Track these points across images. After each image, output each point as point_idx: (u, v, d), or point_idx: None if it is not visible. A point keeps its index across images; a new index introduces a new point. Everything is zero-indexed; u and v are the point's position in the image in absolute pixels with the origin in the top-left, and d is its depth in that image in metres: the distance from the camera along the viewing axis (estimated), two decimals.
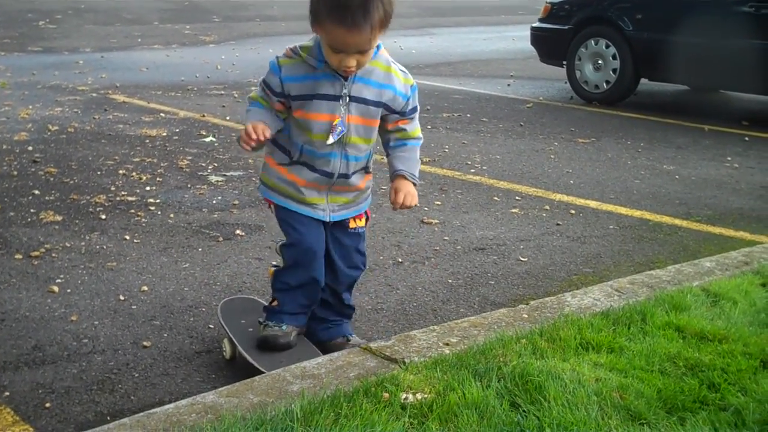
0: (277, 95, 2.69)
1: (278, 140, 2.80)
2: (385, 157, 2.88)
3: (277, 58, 2.70)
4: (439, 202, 4.98)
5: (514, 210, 4.91)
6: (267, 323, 2.94)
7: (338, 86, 2.65)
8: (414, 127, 2.84)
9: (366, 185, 2.90)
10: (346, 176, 2.78)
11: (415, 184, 2.82)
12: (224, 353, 2.96)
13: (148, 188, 5.02)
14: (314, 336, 3.03)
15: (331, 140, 2.67)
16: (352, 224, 2.91)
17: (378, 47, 2.64)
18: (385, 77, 2.70)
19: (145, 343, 3.06)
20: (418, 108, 2.84)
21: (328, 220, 2.85)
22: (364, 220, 2.96)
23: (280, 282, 2.93)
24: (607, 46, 8.58)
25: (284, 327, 2.91)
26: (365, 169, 2.86)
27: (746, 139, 7.26)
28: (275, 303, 2.96)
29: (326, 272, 2.92)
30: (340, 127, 2.67)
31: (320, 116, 2.67)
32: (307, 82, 2.65)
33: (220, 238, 4.21)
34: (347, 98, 2.66)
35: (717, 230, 4.68)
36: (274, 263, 3.10)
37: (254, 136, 2.63)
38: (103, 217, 4.46)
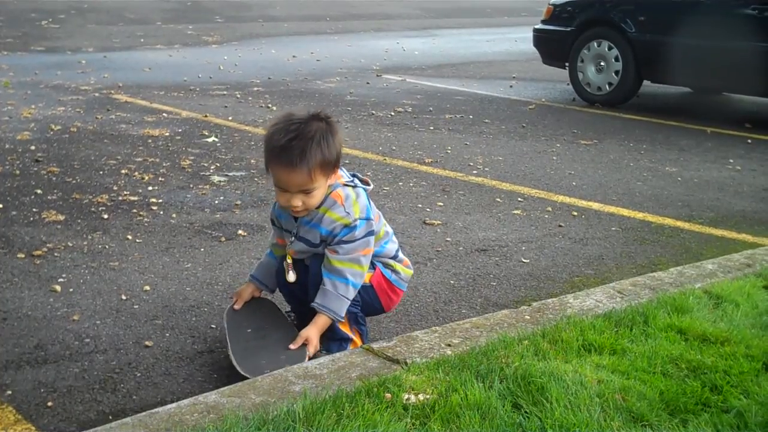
0: (275, 226, 3.06)
1: None
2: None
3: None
4: (441, 204, 4.98)
5: (516, 211, 4.91)
6: None
7: (291, 224, 2.96)
8: (338, 259, 2.87)
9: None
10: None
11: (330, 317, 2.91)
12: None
13: (150, 188, 5.03)
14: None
15: (291, 277, 2.99)
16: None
17: (335, 187, 2.85)
18: (328, 222, 2.86)
19: (147, 343, 3.06)
20: (357, 246, 2.87)
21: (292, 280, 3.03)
22: (368, 279, 3.02)
23: None
24: (610, 48, 8.57)
25: None
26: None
27: (749, 141, 7.26)
28: None
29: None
30: (288, 261, 3.00)
31: (281, 241, 3.08)
32: (283, 219, 3.00)
33: (223, 238, 4.21)
34: (294, 236, 2.95)
35: (719, 232, 4.68)
36: None
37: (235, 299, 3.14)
38: (106, 216, 4.47)
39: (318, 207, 2.84)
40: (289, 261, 2.99)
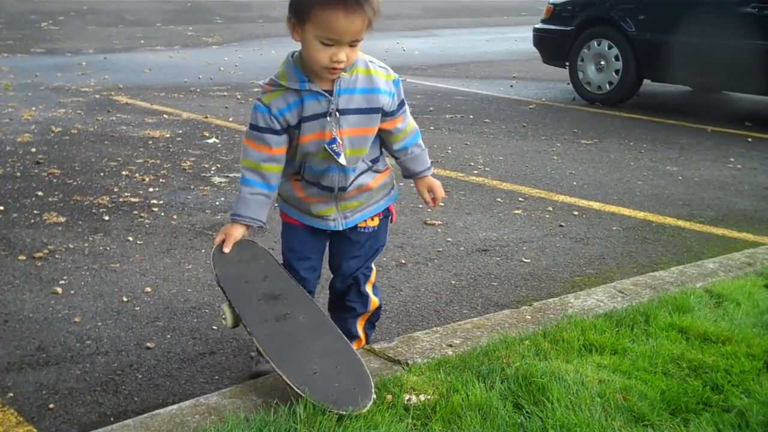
0: (276, 133, 2.58)
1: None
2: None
3: (259, 99, 2.59)
4: (441, 204, 4.97)
5: (517, 211, 4.91)
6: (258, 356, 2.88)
7: (324, 103, 2.56)
8: (408, 123, 2.77)
9: (380, 184, 2.78)
10: (344, 189, 2.68)
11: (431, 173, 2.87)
12: (223, 320, 2.62)
13: (151, 189, 5.03)
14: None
15: (342, 160, 2.60)
16: (361, 225, 2.80)
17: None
18: (367, 81, 2.60)
19: (148, 345, 3.07)
20: (406, 102, 2.75)
21: (341, 228, 2.76)
22: (377, 220, 2.83)
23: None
24: (610, 47, 8.57)
25: None
26: (374, 170, 2.74)
27: (749, 140, 7.25)
28: None
29: (331, 283, 2.90)
30: (335, 144, 2.58)
31: (313, 136, 2.58)
32: (298, 107, 2.56)
33: None
34: (336, 113, 2.57)
35: (720, 231, 4.68)
36: None
37: (214, 250, 2.70)
38: (107, 218, 4.47)
39: (349, 70, 2.57)
40: (340, 141, 2.59)
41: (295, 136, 2.61)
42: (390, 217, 2.89)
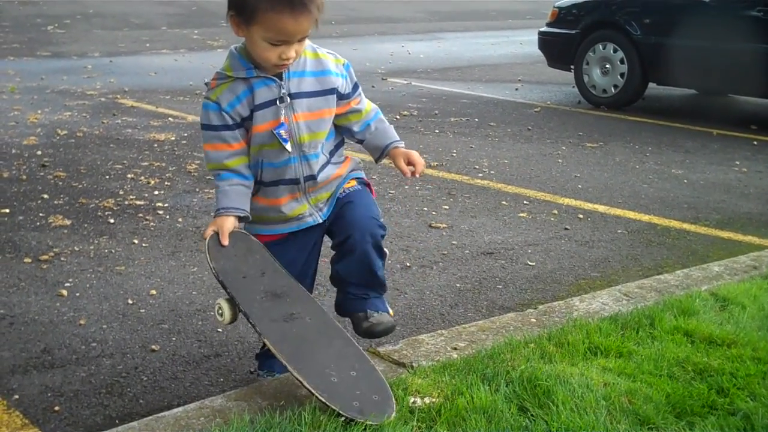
0: (230, 128, 2.51)
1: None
2: (384, 160, 2.77)
3: (207, 97, 2.54)
4: (446, 207, 4.98)
5: (522, 214, 4.90)
6: (258, 372, 2.85)
7: (275, 89, 2.50)
8: (365, 104, 2.71)
9: (346, 170, 2.70)
10: (311, 177, 2.59)
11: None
12: (219, 316, 2.52)
13: (156, 192, 5.04)
14: (339, 308, 2.78)
15: (289, 147, 2.52)
16: (346, 186, 2.69)
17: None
18: (317, 63, 2.56)
19: (153, 347, 3.07)
20: (360, 86, 2.70)
21: (321, 220, 2.65)
22: (353, 182, 2.71)
23: None
24: (615, 51, 8.57)
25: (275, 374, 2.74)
26: (333, 162, 2.66)
27: (755, 143, 7.24)
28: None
29: (341, 247, 2.66)
30: (282, 130, 2.51)
31: (266, 126, 2.51)
32: (248, 97, 2.49)
33: None
34: (287, 98, 2.51)
35: (725, 234, 4.67)
36: None
37: (207, 244, 2.52)
38: (112, 221, 4.48)
39: None
40: (289, 127, 2.52)
41: (249, 128, 2.53)
42: (369, 188, 2.76)
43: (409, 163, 2.69)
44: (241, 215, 2.57)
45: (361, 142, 2.74)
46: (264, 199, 2.62)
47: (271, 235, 2.67)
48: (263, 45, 2.39)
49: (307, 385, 2.31)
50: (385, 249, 2.72)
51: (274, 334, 2.43)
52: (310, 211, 2.64)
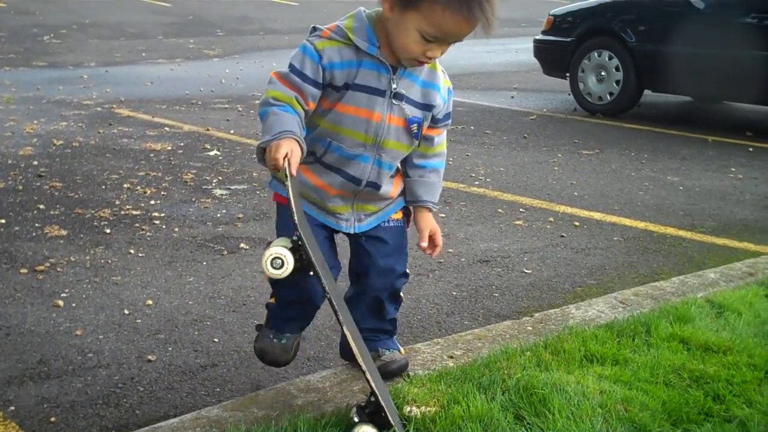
0: (317, 86, 2.26)
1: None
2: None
3: (311, 42, 2.27)
4: (443, 215, 4.98)
5: (518, 222, 4.91)
6: (264, 330, 2.66)
7: (385, 80, 2.28)
8: (442, 140, 2.52)
9: (398, 192, 2.56)
10: (375, 186, 2.43)
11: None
12: (274, 267, 2.14)
13: (152, 202, 5.04)
14: (344, 347, 2.76)
15: (370, 145, 2.34)
16: (394, 216, 2.56)
17: None
18: (430, 74, 2.37)
19: (149, 357, 3.07)
20: (451, 117, 2.50)
21: (352, 231, 2.50)
22: (401, 213, 2.59)
23: (276, 290, 2.60)
24: (610, 58, 8.59)
25: (284, 340, 2.63)
26: (395, 173, 2.51)
27: (750, 149, 7.26)
28: (271, 300, 2.65)
29: (357, 281, 2.61)
30: (414, 126, 2.35)
31: (357, 110, 2.30)
32: (351, 69, 2.26)
33: (225, 252, 4.22)
34: (392, 94, 2.30)
35: (721, 241, 4.68)
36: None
37: (284, 164, 2.12)
38: (108, 231, 4.48)
39: None
40: (409, 118, 2.35)
41: (333, 101, 2.30)
42: (408, 218, 2.65)
43: (432, 240, 2.57)
44: (303, 146, 2.21)
45: (406, 176, 2.55)
46: (315, 178, 2.42)
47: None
48: (414, 36, 2.16)
49: (380, 397, 2.18)
50: (402, 295, 2.69)
51: (352, 327, 2.27)
52: (348, 216, 2.49)
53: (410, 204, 2.57)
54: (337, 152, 2.36)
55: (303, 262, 2.13)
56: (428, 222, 2.57)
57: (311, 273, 2.13)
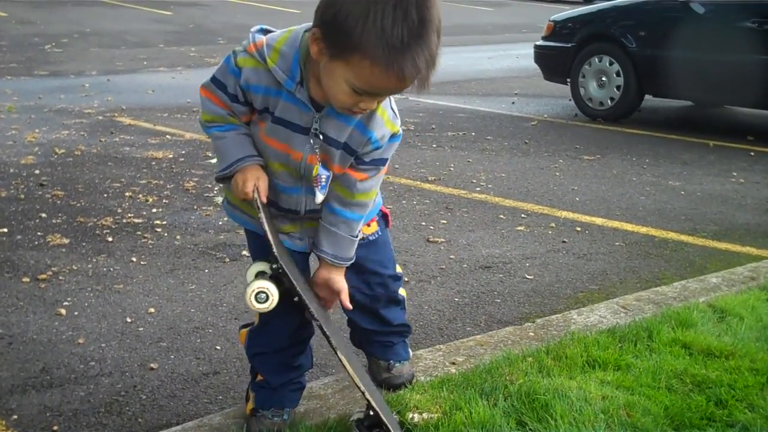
0: (242, 104, 2.10)
1: None
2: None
3: (235, 53, 2.07)
4: (444, 221, 4.99)
5: (519, 228, 4.91)
6: (260, 411, 2.41)
7: (306, 117, 2.05)
8: (366, 188, 2.18)
9: None
10: (316, 212, 2.22)
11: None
12: (259, 302, 2.10)
13: (154, 210, 5.04)
14: (358, 341, 2.70)
15: (319, 197, 2.13)
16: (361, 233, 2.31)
17: None
18: (368, 118, 2.09)
19: (152, 365, 3.07)
20: (384, 168, 2.21)
21: (308, 250, 2.28)
22: (375, 224, 2.43)
23: (255, 345, 2.40)
24: (611, 63, 8.59)
25: (285, 416, 2.42)
26: None
27: (752, 154, 7.26)
28: (259, 377, 2.45)
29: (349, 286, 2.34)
30: (323, 178, 2.11)
31: (279, 145, 2.10)
32: (269, 96, 2.05)
33: (227, 259, 4.22)
34: (319, 136, 2.08)
35: (723, 246, 4.68)
36: (243, 324, 2.62)
37: (254, 196, 2.07)
38: (110, 239, 4.48)
39: None
40: (318, 173, 2.10)
41: (258, 122, 2.11)
42: (387, 220, 2.50)
43: (329, 287, 2.25)
44: (263, 165, 2.13)
45: (319, 217, 2.25)
46: None
47: (248, 229, 2.30)
48: (343, 87, 1.91)
49: (378, 410, 2.14)
50: (402, 295, 2.62)
51: (337, 335, 2.19)
52: (300, 234, 2.28)
53: (313, 250, 2.28)
54: (270, 177, 2.16)
55: (285, 287, 2.08)
56: (326, 276, 2.25)
57: (295, 299, 2.07)
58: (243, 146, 2.11)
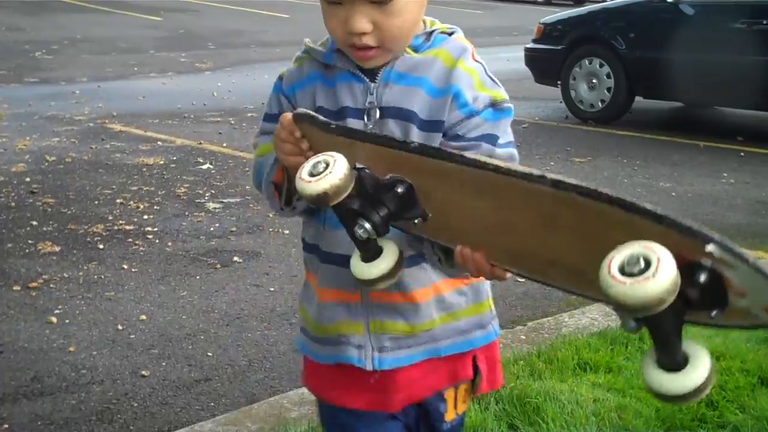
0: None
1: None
2: None
3: (281, 73, 1.59)
4: None
5: None
6: None
7: (359, 91, 1.47)
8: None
9: (454, 289, 1.58)
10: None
11: None
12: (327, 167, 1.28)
13: (145, 217, 5.04)
14: None
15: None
16: (448, 416, 1.58)
17: (453, 32, 1.65)
18: (443, 73, 1.52)
19: (143, 373, 3.06)
20: (512, 149, 1.62)
21: (370, 368, 1.47)
22: (460, 403, 1.61)
23: None
24: (601, 65, 8.62)
25: None
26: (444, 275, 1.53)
27: (741, 154, 7.28)
28: None
29: None
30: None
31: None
32: (315, 85, 1.51)
33: (218, 266, 4.22)
34: (376, 111, 1.46)
35: None
36: None
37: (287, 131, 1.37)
38: (101, 246, 4.47)
39: (417, 49, 1.53)
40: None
41: None
42: (477, 386, 1.62)
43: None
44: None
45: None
46: (312, 277, 1.58)
47: (316, 364, 1.59)
48: (323, 5, 1.44)
49: None
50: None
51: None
52: (359, 340, 1.49)
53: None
54: (331, 222, 1.46)
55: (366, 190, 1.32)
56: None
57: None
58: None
